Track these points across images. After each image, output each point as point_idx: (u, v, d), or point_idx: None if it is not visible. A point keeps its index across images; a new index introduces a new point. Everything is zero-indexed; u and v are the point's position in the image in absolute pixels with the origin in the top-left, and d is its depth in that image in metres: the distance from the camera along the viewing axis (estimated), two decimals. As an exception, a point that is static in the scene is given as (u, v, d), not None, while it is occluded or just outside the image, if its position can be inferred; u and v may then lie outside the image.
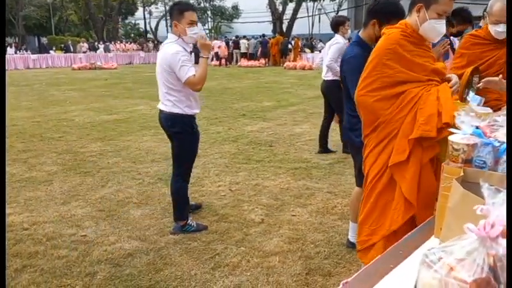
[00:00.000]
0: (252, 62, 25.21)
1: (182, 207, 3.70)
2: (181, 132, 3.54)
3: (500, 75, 2.74)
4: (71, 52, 28.45)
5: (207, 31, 44.34)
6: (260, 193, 4.58)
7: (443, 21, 2.18)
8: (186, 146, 3.60)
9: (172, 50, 3.32)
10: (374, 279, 1.13)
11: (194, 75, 3.36)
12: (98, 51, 29.36)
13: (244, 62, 25.53)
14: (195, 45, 3.63)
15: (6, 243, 3.50)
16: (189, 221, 3.68)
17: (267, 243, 3.46)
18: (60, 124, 8.43)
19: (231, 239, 3.55)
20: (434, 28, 2.17)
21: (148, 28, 48.32)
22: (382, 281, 1.13)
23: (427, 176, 2.14)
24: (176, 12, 3.38)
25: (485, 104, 2.94)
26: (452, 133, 1.54)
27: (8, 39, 37.41)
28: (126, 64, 28.77)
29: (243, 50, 27.45)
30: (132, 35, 51.94)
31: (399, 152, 2.13)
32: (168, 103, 3.49)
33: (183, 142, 3.58)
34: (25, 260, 3.26)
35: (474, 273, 0.64)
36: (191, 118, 3.58)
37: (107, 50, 30.00)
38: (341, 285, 1.11)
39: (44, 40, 33.56)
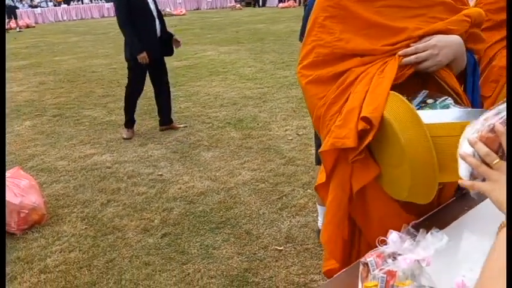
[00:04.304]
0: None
1: None
2: None
3: None
4: (142, -1, 28.94)
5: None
6: (327, 137, 4.57)
7: None
8: None
9: None
10: (449, 218, 1.13)
11: None
12: (166, -2, 29.63)
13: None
14: None
15: (92, 180, 3.85)
16: None
17: (334, 186, 3.50)
18: (135, 70, 8.79)
19: (298, 181, 3.63)
20: None
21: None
22: (458, 221, 1.14)
23: (375, 205, 1.27)
24: None
25: None
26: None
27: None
28: (194, 10, 28.88)
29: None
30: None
31: (322, 169, 1.34)
32: None
33: None
34: (109, 195, 3.58)
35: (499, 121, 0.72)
36: None
37: (175, -5, 30.17)
38: (411, 223, 1.11)
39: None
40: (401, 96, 1.09)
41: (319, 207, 2.88)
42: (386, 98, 1.08)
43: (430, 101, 1.12)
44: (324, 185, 1.32)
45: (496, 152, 0.71)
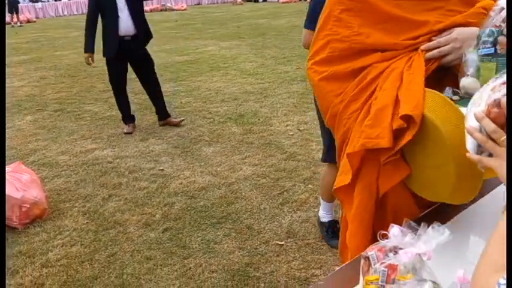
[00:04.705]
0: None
1: None
2: None
3: None
4: (143, -6, 28.85)
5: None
6: (328, 133, 4.57)
7: None
8: None
9: None
10: (450, 212, 1.13)
11: None
12: (167, -8, 29.53)
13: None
14: None
15: (93, 175, 3.86)
16: None
17: (335, 181, 3.50)
18: (136, 65, 8.78)
19: (299, 176, 3.63)
20: None
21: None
22: (459, 215, 1.14)
23: (397, 206, 1.22)
24: None
25: None
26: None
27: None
28: (195, 5, 28.79)
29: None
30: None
31: (343, 170, 1.26)
32: None
33: None
34: (111, 190, 3.59)
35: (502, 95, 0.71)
36: None
37: (176, -10, 30.06)
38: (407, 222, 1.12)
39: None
40: (439, 93, 1.03)
41: (322, 202, 2.85)
42: (424, 94, 1.04)
43: (455, 97, 1.08)
44: (347, 187, 1.24)
45: (502, 127, 0.70)
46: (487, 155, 0.75)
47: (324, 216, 2.84)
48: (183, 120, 5.13)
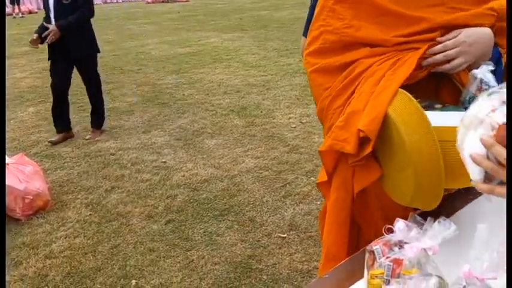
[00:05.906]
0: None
1: None
2: None
3: None
4: (144, -15, 28.67)
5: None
6: (331, 126, 4.56)
7: None
8: None
9: None
10: (454, 207, 1.13)
11: None
12: (169, -16, 29.31)
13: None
14: None
15: (95, 167, 3.87)
16: None
17: (337, 174, 3.50)
18: (138, 57, 8.77)
19: (301, 169, 3.63)
20: None
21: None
22: (462, 210, 1.14)
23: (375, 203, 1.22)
24: None
25: None
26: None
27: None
28: (197, -4, 28.59)
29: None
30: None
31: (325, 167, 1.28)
32: None
33: None
34: (113, 182, 3.60)
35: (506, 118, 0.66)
36: None
37: (178, -19, 29.84)
38: (418, 212, 1.11)
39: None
40: (409, 95, 0.99)
41: None
42: (388, 105, 1.00)
43: (438, 106, 1.05)
44: (326, 183, 1.27)
45: None
46: (497, 183, 0.67)
47: None
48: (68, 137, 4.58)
